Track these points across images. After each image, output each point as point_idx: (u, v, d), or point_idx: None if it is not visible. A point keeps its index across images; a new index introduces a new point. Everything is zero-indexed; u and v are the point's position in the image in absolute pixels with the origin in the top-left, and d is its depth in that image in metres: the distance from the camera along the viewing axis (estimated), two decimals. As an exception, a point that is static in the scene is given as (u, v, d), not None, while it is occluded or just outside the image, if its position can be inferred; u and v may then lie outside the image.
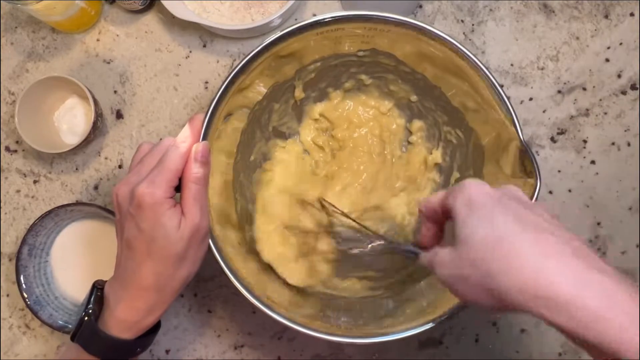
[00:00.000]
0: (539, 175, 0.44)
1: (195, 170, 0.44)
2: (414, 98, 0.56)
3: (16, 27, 0.62)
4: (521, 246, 0.32)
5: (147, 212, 0.41)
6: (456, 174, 0.57)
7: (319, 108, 0.58)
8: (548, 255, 0.32)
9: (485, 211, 0.35)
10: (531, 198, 0.44)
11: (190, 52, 0.62)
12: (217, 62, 0.62)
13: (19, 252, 0.56)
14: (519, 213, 0.34)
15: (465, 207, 0.36)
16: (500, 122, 0.48)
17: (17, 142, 0.62)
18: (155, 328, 0.46)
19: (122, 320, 0.43)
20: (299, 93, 0.55)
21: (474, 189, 0.36)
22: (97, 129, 0.59)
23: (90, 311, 0.43)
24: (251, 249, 0.53)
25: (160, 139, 0.45)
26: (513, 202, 0.36)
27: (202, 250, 0.45)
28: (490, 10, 0.62)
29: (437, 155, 0.58)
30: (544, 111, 0.62)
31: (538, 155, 0.62)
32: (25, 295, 0.56)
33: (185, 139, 0.45)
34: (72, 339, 0.43)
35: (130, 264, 0.43)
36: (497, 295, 0.33)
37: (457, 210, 0.36)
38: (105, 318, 0.43)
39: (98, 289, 0.45)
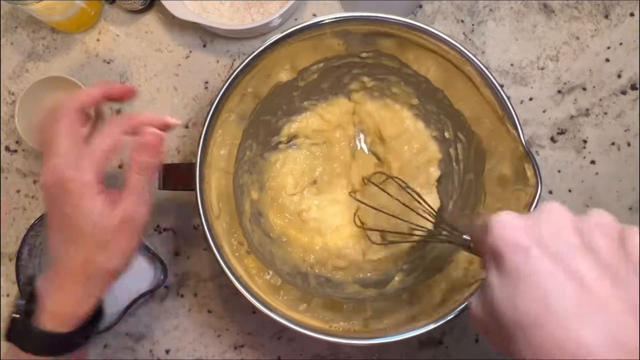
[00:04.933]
0: (540, 179, 0.44)
1: (141, 159, 0.42)
2: (415, 101, 0.56)
3: (16, 27, 0.62)
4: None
5: (73, 197, 0.39)
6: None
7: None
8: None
9: (513, 277, 0.28)
10: (532, 202, 0.43)
11: (190, 52, 0.62)
12: (217, 62, 0.62)
13: (19, 252, 0.56)
14: (558, 285, 0.27)
15: (492, 260, 0.30)
16: (501, 125, 0.48)
17: (17, 142, 0.62)
18: (95, 319, 0.44)
19: (55, 312, 0.41)
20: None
21: (500, 232, 0.29)
22: (97, 129, 0.59)
23: (21, 308, 0.42)
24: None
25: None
26: (553, 253, 0.28)
27: (133, 242, 0.43)
28: (490, 10, 0.62)
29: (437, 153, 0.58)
30: (544, 111, 0.62)
31: (538, 155, 0.62)
32: (25, 295, 0.56)
33: (121, 122, 0.42)
34: (6, 338, 0.42)
35: (58, 250, 0.41)
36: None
37: (485, 258, 0.31)
38: (38, 313, 0.41)
39: (26, 284, 0.44)
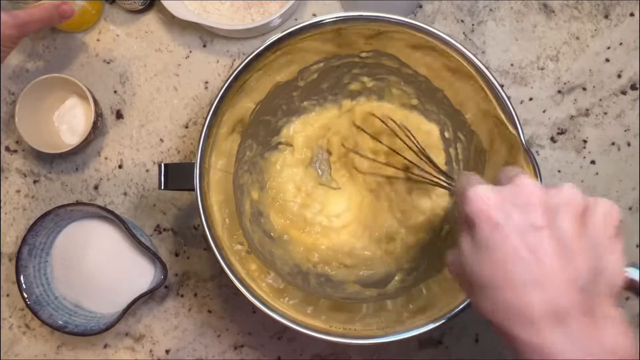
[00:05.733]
0: (540, 179, 0.44)
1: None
2: (415, 101, 0.56)
3: (16, 27, 0.62)
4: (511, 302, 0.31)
5: None
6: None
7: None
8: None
9: (482, 244, 0.32)
10: None
11: (190, 52, 0.62)
12: (217, 62, 0.62)
13: (19, 252, 0.56)
14: (515, 249, 0.31)
15: (466, 224, 0.34)
16: (501, 124, 0.48)
17: (17, 142, 0.62)
18: None
19: None
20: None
21: (475, 205, 0.32)
22: (97, 129, 0.59)
23: None
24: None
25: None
26: (519, 229, 0.31)
27: None
28: (490, 10, 0.62)
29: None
30: (544, 111, 0.62)
31: (538, 155, 0.62)
32: (25, 295, 0.56)
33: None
34: None
35: None
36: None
37: (461, 219, 0.35)
38: None
39: None
